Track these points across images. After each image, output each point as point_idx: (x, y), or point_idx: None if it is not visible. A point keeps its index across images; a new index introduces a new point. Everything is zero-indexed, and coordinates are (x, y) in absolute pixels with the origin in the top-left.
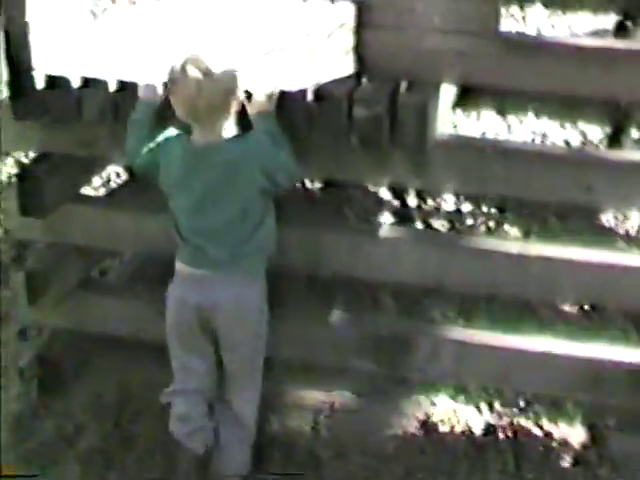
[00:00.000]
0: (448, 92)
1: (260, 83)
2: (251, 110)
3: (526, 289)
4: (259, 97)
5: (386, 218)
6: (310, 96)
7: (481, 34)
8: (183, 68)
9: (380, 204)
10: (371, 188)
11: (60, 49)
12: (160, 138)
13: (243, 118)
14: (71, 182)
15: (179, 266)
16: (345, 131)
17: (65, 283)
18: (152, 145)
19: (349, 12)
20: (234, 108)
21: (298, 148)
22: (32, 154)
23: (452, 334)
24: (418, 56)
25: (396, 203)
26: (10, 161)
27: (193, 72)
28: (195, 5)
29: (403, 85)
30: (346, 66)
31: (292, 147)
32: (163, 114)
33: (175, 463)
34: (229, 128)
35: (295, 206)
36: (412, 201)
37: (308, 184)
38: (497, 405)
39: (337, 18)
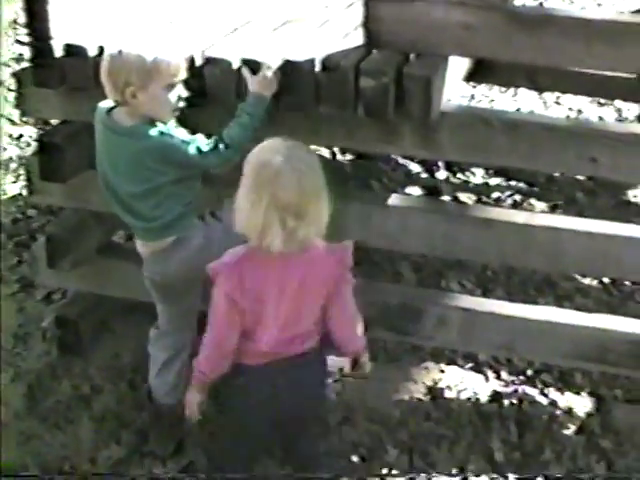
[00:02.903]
0: (458, 65)
1: (270, 54)
2: (250, 86)
3: (532, 259)
4: (260, 77)
5: (414, 191)
6: (318, 66)
7: (486, 7)
8: None
9: (409, 177)
10: (401, 161)
11: (80, 19)
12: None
13: None
14: (91, 149)
15: None
16: (352, 101)
17: (85, 248)
18: None
19: None
20: (132, 94)
21: (306, 117)
22: (53, 121)
23: (460, 302)
24: (425, 28)
25: (425, 176)
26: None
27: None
28: None
29: (412, 57)
30: (358, 38)
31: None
32: None
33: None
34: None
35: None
36: (441, 174)
37: (338, 156)
38: (504, 374)
39: None
